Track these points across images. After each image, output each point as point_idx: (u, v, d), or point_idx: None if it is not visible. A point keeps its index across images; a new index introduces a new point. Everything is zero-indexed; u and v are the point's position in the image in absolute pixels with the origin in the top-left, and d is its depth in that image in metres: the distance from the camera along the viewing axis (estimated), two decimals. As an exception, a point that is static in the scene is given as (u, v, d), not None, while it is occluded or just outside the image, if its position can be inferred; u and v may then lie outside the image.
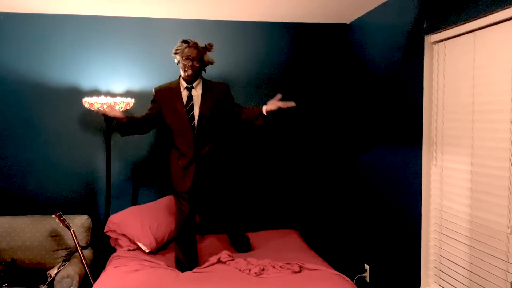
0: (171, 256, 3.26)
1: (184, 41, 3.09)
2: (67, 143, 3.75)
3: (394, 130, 3.22)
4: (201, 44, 3.13)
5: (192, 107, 3.12)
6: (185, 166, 3.14)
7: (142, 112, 3.51)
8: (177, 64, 3.17)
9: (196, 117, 3.11)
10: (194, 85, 3.14)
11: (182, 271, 3.01)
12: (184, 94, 3.14)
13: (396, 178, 3.20)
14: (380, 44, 3.44)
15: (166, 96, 3.16)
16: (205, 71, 3.23)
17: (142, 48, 3.82)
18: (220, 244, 3.51)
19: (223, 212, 3.43)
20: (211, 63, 3.20)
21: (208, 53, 3.15)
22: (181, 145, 3.15)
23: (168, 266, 3.09)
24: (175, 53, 3.12)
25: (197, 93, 3.14)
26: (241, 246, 3.41)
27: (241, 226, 3.55)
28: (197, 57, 3.06)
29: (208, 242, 3.57)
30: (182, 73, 3.11)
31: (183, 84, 3.15)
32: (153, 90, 3.26)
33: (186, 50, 3.05)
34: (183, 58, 3.06)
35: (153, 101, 3.24)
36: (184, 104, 3.12)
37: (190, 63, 3.04)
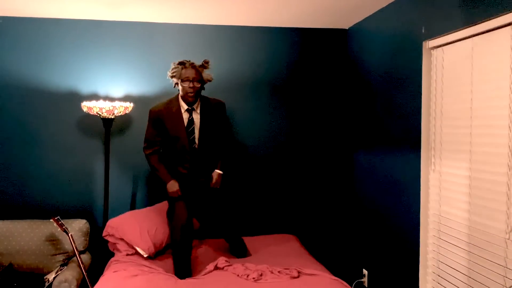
0: (169, 261, 3.25)
1: (180, 63, 3.05)
2: (65, 147, 3.75)
3: (392, 135, 3.23)
4: (197, 62, 3.10)
5: (193, 131, 3.14)
6: (181, 178, 3.20)
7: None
8: (175, 86, 3.14)
9: (197, 140, 3.15)
10: (194, 106, 3.13)
11: (180, 278, 3.00)
12: (185, 117, 3.12)
13: (394, 183, 3.20)
14: (378, 49, 3.45)
15: (166, 116, 3.11)
16: (204, 88, 3.19)
17: (141, 53, 3.83)
18: (219, 247, 3.52)
19: (221, 217, 3.43)
20: (210, 81, 3.16)
21: (205, 70, 3.12)
22: (178, 160, 3.19)
23: (167, 271, 3.08)
24: (172, 76, 3.08)
25: (197, 115, 3.14)
26: (239, 251, 3.40)
27: (238, 231, 3.55)
28: (196, 77, 3.02)
29: (206, 247, 3.57)
30: (182, 95, 3.07)
31: (184, 106, 3.11)
32: (151, 110, 3.16)
33: (184, 71, 3.01)
34: (182, 81, 3.02)
35: (153, 122, 3.16)
36: (185, 127, 3.12)
37: (190, 85, 3.01)
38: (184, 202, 3.17)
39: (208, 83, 3.20)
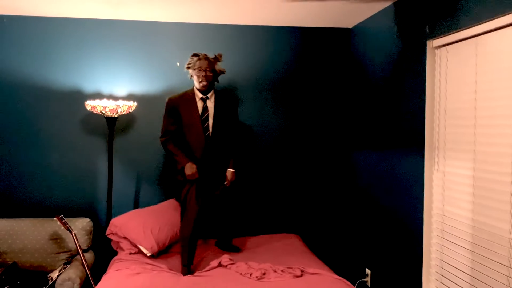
0: (172, 259, 3.26)
1: (195, 55, 3.24)
2: (69, 146, 3.76)
3: (396, 135, 3.22)
4: (211, 55, 3.27)
5: (206, 118, 3.23)
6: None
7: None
8: (191, 78, 3.30)
9: (211, 128, 3.22)
10: (208, 95, 3.25)
11: (185, 273, 3.03)
12: (200, 104, 3.24)
13: (398, 183, 3.19)
14: (382, 49, 3.44)
15: (182, 104, 3.24)
16: (217, 81, 3.34)
17: (145, 52, 3.83)
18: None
19: (225, 216, 3.50)
20: (223, 72, 3.33)
21: (218, 63, 3.29)
22: (192, 149, 3.23)
23: (170, 269, 3.09)
24: (188, 68, 3.27)
25: (211, 104, 3.26)
26: (229, 248, 3.50)
27: (232, 232, 3.59)
28: (209, 68, 3.20)
29: (210, 246, 3.59)
30: (197, 84, 3.23)
31: (198, 95, 3.25)
32: (167, 100, 3.29)
33: (198, 62, 3.19)
34: (196, 70, 3.19)
35: (169, 111, 3.26)
36: (200, 114, 3.22)
37: (203, 74, 3.17)
38: (198, 197, 3.19)
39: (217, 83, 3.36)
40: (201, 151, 3.21)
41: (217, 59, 3.28)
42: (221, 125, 3.26)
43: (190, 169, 3.16)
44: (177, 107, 3.24)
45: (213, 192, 3.37)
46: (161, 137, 3.31)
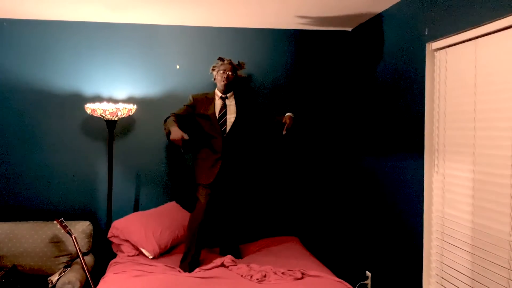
0: (173, 261, 3.26)
1: (220, 59, 3.46)
2: (69, 149, 3.76)
3: (396, 137, 3.23)
4: (235, 61, 3.48)
5: (224, 114, 3.37)
6: (212, 164, 3.32)
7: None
8: (214, 80, 3.49)
9: (228, 123, 3.36)
10: (228, 95, 3.42)
11: (185, 270, 3.09)
12: (218, 102, 3.41)
13: (397, 185, 3.20)
14: (382, 52, 3.45)
15: (201, 101, 3.42)
16: (237, 85, 3.54)
17: (145, 55, 3.84)
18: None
19: (228, 221, 3.54)
20: (243, 77, 3.62)
21: (241, 69, 3.53)
22: (210, 146, 3.34)
23: (170, 272, 3.08)
24: (213, 70, 3.48)
25: (230, 103, 3.43)
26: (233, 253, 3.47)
27: (237, 238, 3.59)
28: (231, 70, 3.41)
29: (215, 255, 3.54)
30: (218, 85, 3.42)
31: (218, 94, 3.43)
32: (191, 96, 3.46)
33: (222, 66, 3.41)
34: (220, 72, 3.39)
35: (188, 105, 3.43)
36: (218, 110, 3.37)
37: (225, 75, 3.37)
38: (210, 190, 3.30)
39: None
40: (220, 148, 3.33)
41: (240, 66, 3.50)
42: (240, 123, 3.40)
43: (175, 133, 3.05)
44: (196, 103, 3.41)
45: (227, 194, 3.48)
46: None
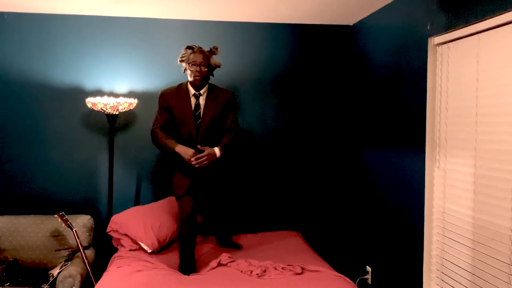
0: (173, 256, 3.26)
1: (189, 47, 3.07)
2: (70, 143, 3.76)
3: (397, 133, 3.22)
4: (206, 48, 3.12)
5: (199, 116, 3.11)
6: (186, 169, 3.11)
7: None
8: (184, 71, 3.15)
9: (202, 126, 3.10)
10: (202, 91, 3.12)
11: (184, 274, 3.01)
12: (193, 101, 3.12)
13: (399, 180, 3.19)
14: (383, 46, 3.43)
15: (174, 100, 3.13)
16: (212, 75, 3.20)
17: (146, 49, 3.82)
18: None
19: (218, 213, 3.48)
20: (218, 66, 3.17)
21: (214, 56, 3.12)
22: (185, 145, 3.11)
23: (170, 267, 3.09)
24: (181, 61, 3.10)
25: (204, 101, 3.13)
26: (229, 244, 3.49)
27: (231, 230, 3.58)
28: (204, 62, 3.03)
29: (209, 244, 3.57)
30: (190, 79, 3.08)
31: (191, 91, 3.12)
32: (160, 93, 3.18)
33: (192, 56, 3.03)
34: (190, 65, 3.04)
35: (162, 107, 3.16)
36: (192, 111, 3.10)
37: (197, 69, 3.02)
38: (190, 195, 3.13)
39: (212, 77, 3.23)
40: (194, 149, 3.07)
41: (212, 52, 3.09)
42: (213, 122, 3.12)
43: (186, 151, 3.00)
44: (170, 102, 3.12)
45: (207, 188, 3.28)
46: (152, 126, 3.20)
